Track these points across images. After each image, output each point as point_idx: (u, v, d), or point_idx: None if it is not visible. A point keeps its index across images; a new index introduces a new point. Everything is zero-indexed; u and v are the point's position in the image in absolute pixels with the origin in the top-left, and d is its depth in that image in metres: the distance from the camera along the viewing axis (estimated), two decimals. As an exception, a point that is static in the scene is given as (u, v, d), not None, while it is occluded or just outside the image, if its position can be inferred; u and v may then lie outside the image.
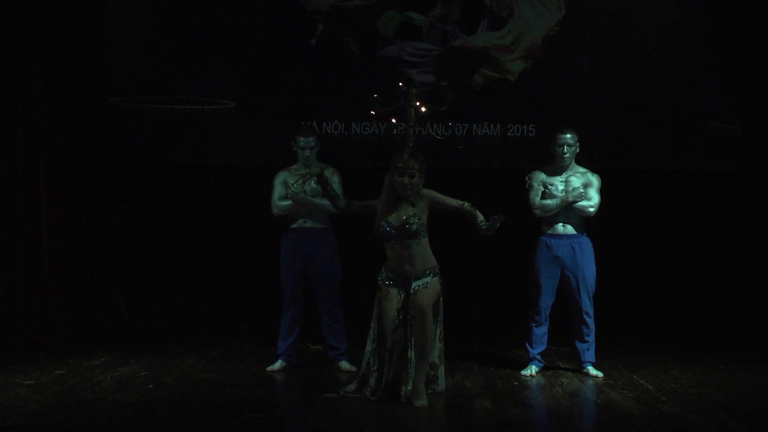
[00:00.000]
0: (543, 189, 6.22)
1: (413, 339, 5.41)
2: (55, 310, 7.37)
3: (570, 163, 6.24)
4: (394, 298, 5.46)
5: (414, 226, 5.38)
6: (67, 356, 6.65)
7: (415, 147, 5.61)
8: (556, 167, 6.26)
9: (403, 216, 5.40)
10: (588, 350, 6.25)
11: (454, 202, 5.50)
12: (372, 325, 5.58)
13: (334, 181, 6.32)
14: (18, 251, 7.27)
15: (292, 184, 6.27)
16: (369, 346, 5.58)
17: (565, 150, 6.18)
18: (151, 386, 5.71)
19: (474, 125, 7.58)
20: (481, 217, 5.41)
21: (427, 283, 5.41)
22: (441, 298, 5.56)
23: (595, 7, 7.62)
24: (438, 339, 5.59)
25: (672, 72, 7.55)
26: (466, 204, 5.46)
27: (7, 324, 7.16)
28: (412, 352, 5.40)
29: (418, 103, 5.79)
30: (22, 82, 7.29)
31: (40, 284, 7.33)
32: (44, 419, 4.87)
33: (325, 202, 6.25)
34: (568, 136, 6.19)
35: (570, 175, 6.23)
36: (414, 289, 5.41)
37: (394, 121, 6.13)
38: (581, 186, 6.16)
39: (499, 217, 5.33)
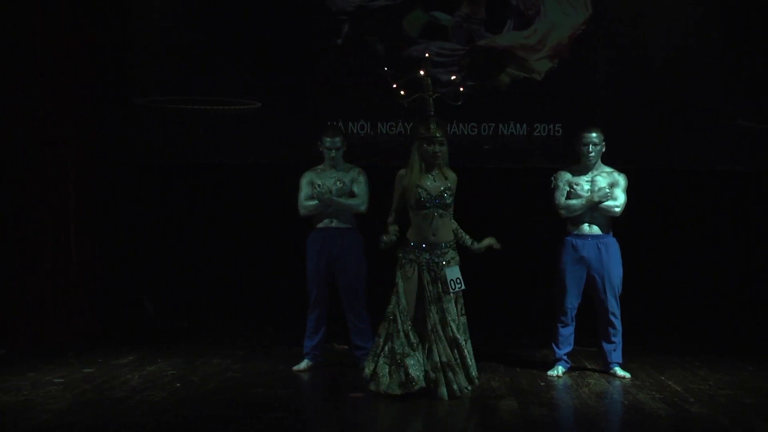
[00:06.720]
0: (568, 189, 6.19)
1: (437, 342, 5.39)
2: (84, 309, 7.45)
3: (596, 162, 6.20)
4: (414, 279, 5.45)
5: (449, 199, 5.48)
6: (96, 355, 6.70)
7: (438, 115, 5.60)
8: (582, 167, 6.22)
9: (440, 186, 5.47)
10: (615, 351, 6.21)
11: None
12: (392, 308, 5.47)
13: (360, 181, 6.32)
14: (47, 251, 7.33)
15: (318, 185, 6.28)
16: (389, 328, 5.43)
17: (591, 149, 6.13)
18: (178, 385, 5.74)
19: (500, 125, 7.58)
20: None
21: (460, 280, 5.44)
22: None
23: (620, 7, 7.59)
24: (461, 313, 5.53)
25: (700, 71, 7.50)
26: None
27: (36, 323, 7.22)
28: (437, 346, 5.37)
29: (423, 72, 5.73)
30: (47, 83, 7.32)
31: (69, 284, 7.40)
32: (73, 417, 4.92)
33: (351, 202, 6.27)
34: (594, 135, 6.14)
35: (596, 175, 6.18)
36: (450, 286, 5.40)
37: (402, 93, 6.07)
38: (607, 186, 6.11)
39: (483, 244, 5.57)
